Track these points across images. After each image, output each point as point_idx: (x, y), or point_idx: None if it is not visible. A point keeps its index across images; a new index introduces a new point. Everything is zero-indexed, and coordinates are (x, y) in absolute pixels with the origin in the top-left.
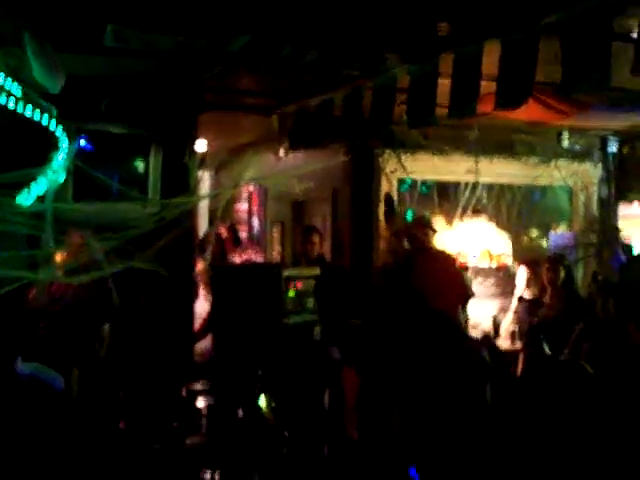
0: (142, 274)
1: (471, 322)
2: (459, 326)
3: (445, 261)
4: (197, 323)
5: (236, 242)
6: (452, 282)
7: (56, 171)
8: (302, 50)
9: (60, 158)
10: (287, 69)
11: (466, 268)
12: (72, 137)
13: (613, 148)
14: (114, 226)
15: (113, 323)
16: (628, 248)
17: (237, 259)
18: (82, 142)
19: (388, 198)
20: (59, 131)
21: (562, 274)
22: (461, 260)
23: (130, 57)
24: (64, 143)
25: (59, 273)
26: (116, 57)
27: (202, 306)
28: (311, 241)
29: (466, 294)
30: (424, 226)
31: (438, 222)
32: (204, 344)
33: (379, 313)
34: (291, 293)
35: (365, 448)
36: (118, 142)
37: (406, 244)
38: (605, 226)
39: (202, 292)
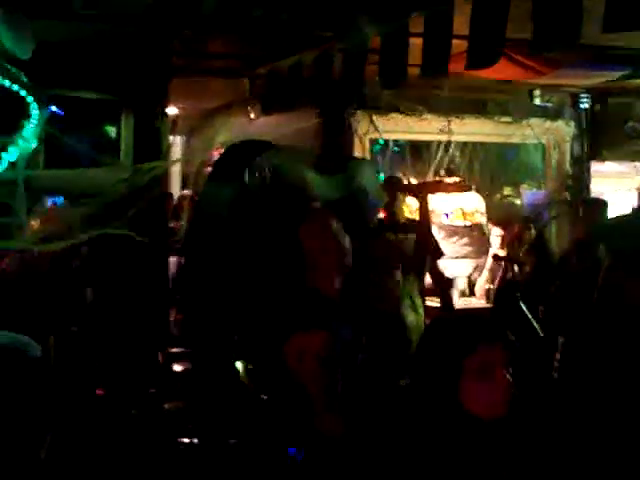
0: (116, 240)
1: (448, 280)
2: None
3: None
4: None
5: None
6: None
7: (27, 138)
8: (273, 11)
9: (31, 125)
10: (258, 31)
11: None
12: (42, 104)
13: (585, 105)
14: (87, 192)
15: (90, 287)
16: (601, 203)
17: None
18: (53, 108)
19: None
20: (29, 98)
21: (534, 232)
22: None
23: (99, 22)
24: (35, 110)
25: (33, 241)
26: (85, 22)
27: None
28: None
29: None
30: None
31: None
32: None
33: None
34: None
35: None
36: (89, 108)
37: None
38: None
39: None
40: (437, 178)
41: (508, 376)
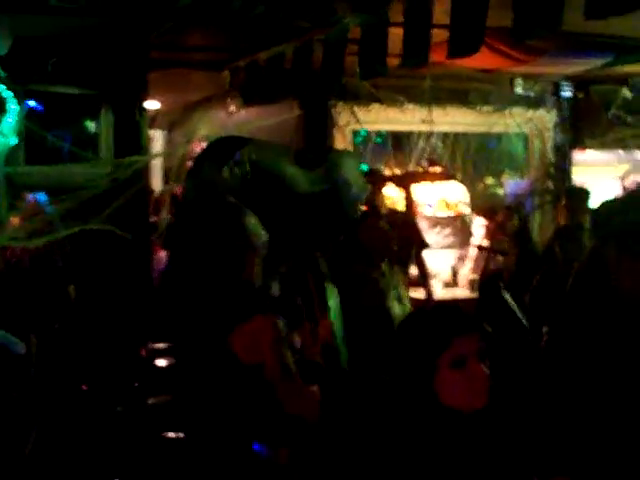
0: (99, 235)
1: (431, 272)
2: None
3: None
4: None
5: None
6: None
7: (5, 134)
8: (252, 2)
9: (9, 120)
10: (237, 23)
11: None
12: (20, 99)
13: (567, 94)
14: (68, 188)
15: (72, 284)
16: (583, 193)
17: None
18: (31, 103)
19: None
20: (6, 93)
21: (517, 222)
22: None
23: (76, 15)
24: (12, 105)
25: (14, 238)
26: (62, 16)
27: None
28: None
29: None
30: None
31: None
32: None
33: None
34: None
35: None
36: (68, 103)
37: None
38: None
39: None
40: (420, 169)
41: (485, 368)
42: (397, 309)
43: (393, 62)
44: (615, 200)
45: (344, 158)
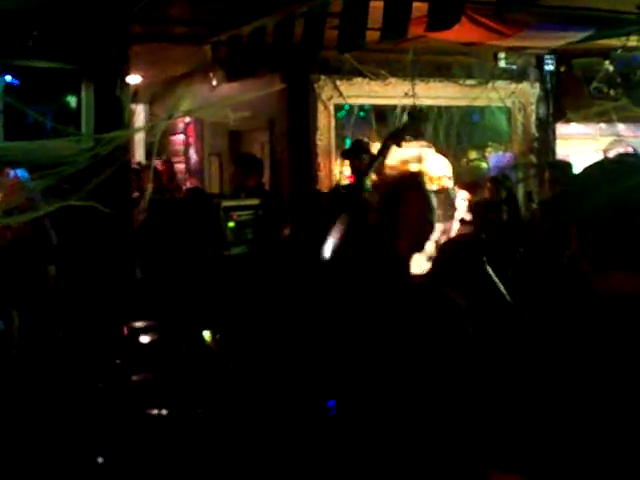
0: (80, 211)
1: None
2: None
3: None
4: None
5: (171, 178)
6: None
7: None
8: None
9: None
10: None
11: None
12: None
13: (550, 67)
14: (49, 164)
15: (53, 263)
16: (566, 166)
17: (175, 193)
18: (8, 78)
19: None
20: None
21: (503, 195)
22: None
23: None
24: None
25: None
26: None
27: None
28: (249, 170)
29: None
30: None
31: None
32: None
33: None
34: (231, 224)
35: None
36: (48, 78)
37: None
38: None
39: None
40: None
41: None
42: None
43: (374, 36)
44: (588, 173)
45: None
